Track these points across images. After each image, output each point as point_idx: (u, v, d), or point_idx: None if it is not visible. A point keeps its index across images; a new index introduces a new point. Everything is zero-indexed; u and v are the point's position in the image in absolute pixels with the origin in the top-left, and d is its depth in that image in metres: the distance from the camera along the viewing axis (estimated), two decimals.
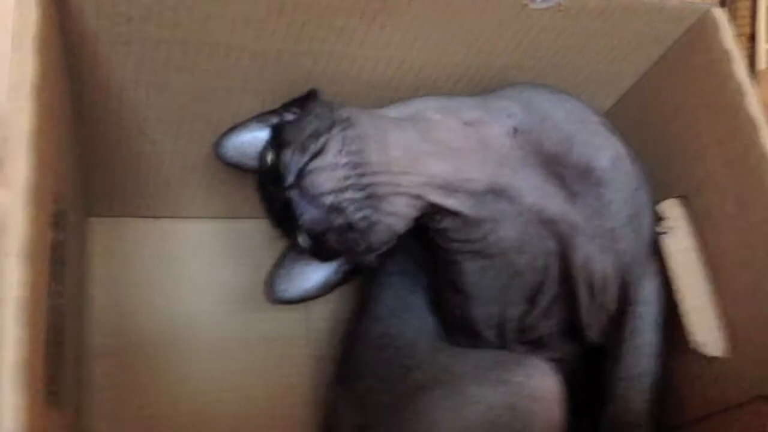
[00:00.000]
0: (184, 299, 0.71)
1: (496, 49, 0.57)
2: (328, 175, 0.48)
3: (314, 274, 0.57)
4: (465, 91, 0.60)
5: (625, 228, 0.55)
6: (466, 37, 0.55)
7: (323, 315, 0.73)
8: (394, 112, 0.55)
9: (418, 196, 0.51)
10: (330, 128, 0.49)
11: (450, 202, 0.52)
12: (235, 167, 0.57)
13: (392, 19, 0.51)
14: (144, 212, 0.71)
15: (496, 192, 0.53)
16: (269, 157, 0.51)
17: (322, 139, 0.48)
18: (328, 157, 0.48)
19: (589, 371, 0.59)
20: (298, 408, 0.70)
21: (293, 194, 0.48)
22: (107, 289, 0.69)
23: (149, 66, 0.51)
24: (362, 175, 0.48)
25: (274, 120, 0.55)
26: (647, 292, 0.56)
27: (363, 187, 0.48)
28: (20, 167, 0.32)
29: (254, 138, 0.55)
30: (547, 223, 0.54)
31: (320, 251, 0.51)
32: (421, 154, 0.51)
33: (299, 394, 0.70)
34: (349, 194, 0.48)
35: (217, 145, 0.56)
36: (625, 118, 0.64)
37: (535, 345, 0.59)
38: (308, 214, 0.48)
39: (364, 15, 0.50)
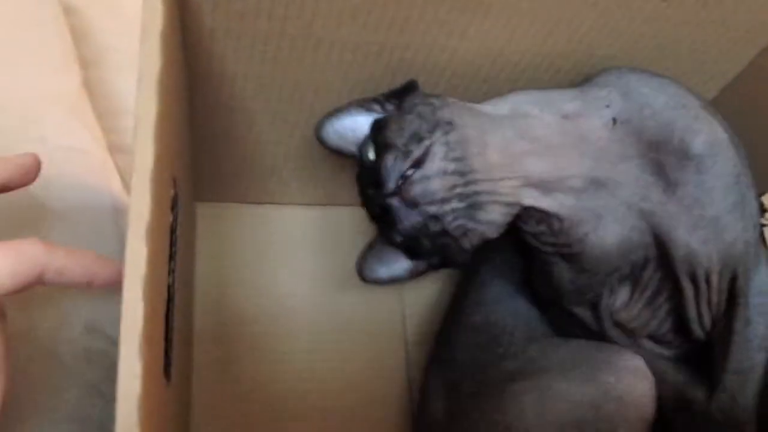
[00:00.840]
0: (282, 282, 0.73)
1: (596, 39, 0.56)
2: (437, 183, 0.47)
3: (404, 260, 0.58)
4: (565, 84, 0.60)
5: (730, 215, 0.52)
6: (567, 28, 0.54)
7: (418, 300, 0.75)
8: (491, 107, 0.54)
9: (513, 203, 0.50)
10: (433, 130, 0.48)
11: (547, 203, 0.51)
12: (335, 152, 0.57)
13: (494, 11, 0.51)
14: (246, 198, 0.74)
15: (595, 187, 0.52)
16: (370, 154, 0.51)
17: (425, 143, 0.47)
18: (435, 165, 0.47)
19: (691, 364, 0.58)
20: (392, 389, 0.72)
21: (394, 201, 0.48)
22: (210, 271, 0.73)
23: (258, 60, 0.53)
24: (467, 183, 0.47)
25: (375, 107, 0.55)
26: (760, 283, 0.54)
27: (468, 196, 0.48)
28: (147, 154, 0.35)
29: (354, 122, 0.55)
30: (647, 216, 0.52)
31: (412, 251, 0.52)
32: (519, 154, 0.50)
33: (394, 377, 0.72)
34: (453, 204, 0.47)
35: (318, 128, 0.56)
36: (730, 107, 0.62)
37: (634, 333, 0.58)
38: (408, 221, 0.48)
39: (467, 7, 0.50)
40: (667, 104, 0.53)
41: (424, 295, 0.75)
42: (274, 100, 0.58)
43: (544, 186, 0.51)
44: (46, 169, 0.56)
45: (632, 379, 0.54)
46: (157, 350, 0.40)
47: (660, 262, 0.54)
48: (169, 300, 0.45)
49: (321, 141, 0.56)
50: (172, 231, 0.45)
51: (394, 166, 0.47)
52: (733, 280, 0.53)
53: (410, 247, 0.51)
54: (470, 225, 0.49)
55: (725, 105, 0.64)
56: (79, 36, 0.60)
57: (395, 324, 0.74)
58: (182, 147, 0.54)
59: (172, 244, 0.46)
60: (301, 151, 0.66)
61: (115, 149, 0.62)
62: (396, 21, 0.51)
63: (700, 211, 0.52)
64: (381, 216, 0.50)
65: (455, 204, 0.47)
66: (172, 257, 0.46)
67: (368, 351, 0.72)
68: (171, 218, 0.44)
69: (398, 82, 0.57)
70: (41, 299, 0.53)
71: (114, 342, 0.51)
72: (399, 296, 0.76)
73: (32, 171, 0.41)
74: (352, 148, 0.55)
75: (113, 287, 0.39)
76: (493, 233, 0.51)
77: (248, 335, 0.71)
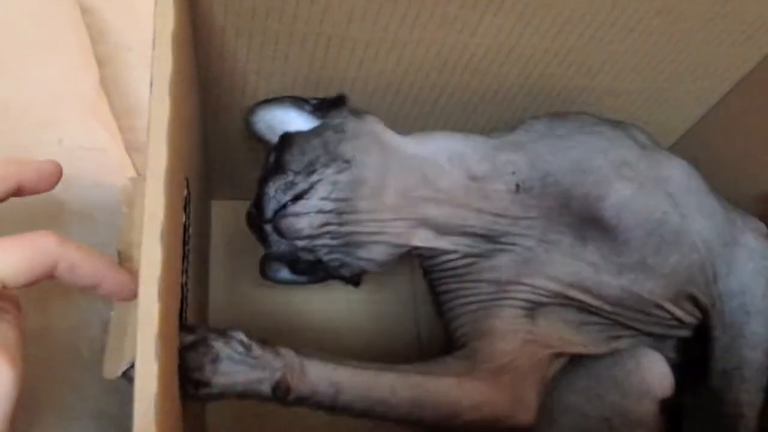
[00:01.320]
0: None
1: (608, 34, 0.56)
2: (305, 221, 0.48)
3: None
4: (576, 78, 0.60)
5: (657, 255, 0.53)
6: (578, 23, 0.54)
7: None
8: (412, 145, 0.54)
9: (401, 245, 0.52)
10: (328, 164, 0.49)
11: (439, 243, 0.54)
12: (259, 140, 0.57)
13: (505, 6, 0.51)
14: None
15: (492, 238, 0.54)
16: (269, 163, 0.52)
17: (313, 177, 0.49)
18: (311, 203, 0.49)
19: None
20: None
21: (267, 227, 0.50)
22: (224, 269, 0.73)
23: (269, 58, 0.53)
24: (343, 224, 0.49)
25: (306, 107, 0.56)
26: (735, 285, 0.55)
27: (341, 236, 0.50)
28: (161, 155, 0.35)
29: (285, 115, 0.56)
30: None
31: (292, 268, 0.55)
32: (418, 199, 0.52)
33: None
34: (324, 240, 0.50)
35: (249, 113, 0.57)
36: (744, 103, 0.62)
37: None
38: (276, 247, 0.51)
39: (478, 3, 0.50)
40: (570, 170, 0.54)
41: None
42: None
43: (439, 229, 0.53)
44: (65, 168, 0.57)
45: (637, 397, 0.55)
46: (172, 349, 0.40)
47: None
48: (183, 299, 0.46)
49: (249, 126, 0.57)
50: (185, 230, 0.46)
51: (274, 196, 0.49)
52: (693, 298, 0.55)
53: (290, 265, 0.54)
54: (347, 260, 0.51)
55: (739, 100, 0.64)
56: (94, 35, 0.61)
57: (409, 322, 0.75)
58: (194, 147, 0.55)
59: (185, 243, 0.46)
60: None
61: (131, 148, 0.63)
62: (407, 17, 0.51)
63: (619, 259, 0.53)
64: (257, 234, 0.52)
65: (327, 240, 0.50)
66: (185, 256, 0.46)
67: (383, 347, 0.73)
68: (184, 218, 0.45)
69: (410, 78, 0.57)
70: (60, 299, 0.54)
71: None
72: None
73: (50, 178, 0.41)
74: (276, 141, 0.55)
75: (117, 298, 0.40)
76: (375, 268, 0.53)
77: (262, 331, 0.72)
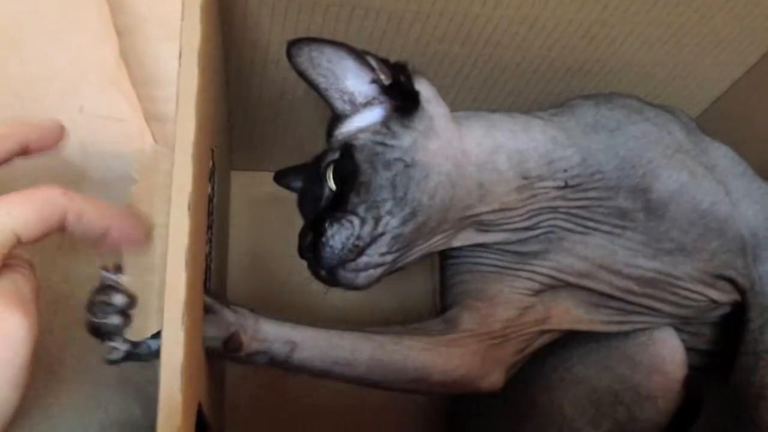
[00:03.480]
0: None
1: (632, 5, 0.55)
2: (363, 277, 0.49)
3: None
4: (598, 51, 0.60)
5: (701, 241, 0.53)
6: None
7: None
8: (473, 146, 0.52)
9: (439, 249, 0.54)
10: (392, 213, 0.48)
11: (478, 239, 0.54)
12: (299, 74, 0.51)
13: None
14: (280, 166, 0.74)
15: (530, 227, 0.54)
16: (327, 188, 0.50)
17: (378, 230, 0.48)
18: (372, 260, 0.49)
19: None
20: None
21: (320, 272, 0.50)
22: (244, 239, 0.74)
23: (292, 28, 0.53)
24: (398, 261, 0.51)
25: (371, 61, 0.51)
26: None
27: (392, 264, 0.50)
28: (189, 127, 0.35)
29: (336, 57, 0.50)
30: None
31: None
32: (470, 207, 0.52)
33: None
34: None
35: (294, 41, 0.50)
36: (756, 86, 0.62)
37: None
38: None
39: None
40: (619, 167, 0.53)
41: None
42: None
43: (480, 228, 0.54)
44: (85, 137, 0.57)
45: (647, 373, 0.56)
46: (198, 319, 0.41)
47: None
48: (207, 268, 0.46)
49: (290, 55, 0.50)
50: (210, 201, 0.46)
51: (336, 250, 0.47)
52: (731, 280, 0.55)
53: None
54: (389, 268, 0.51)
55: (753, 83, 0.63)
56: (114, 6, 0.60)
57: (427, 295, 0.75)
58: (220, 118, 0.55)
59: (210, 214, 0.47)
60: None
61: (150, 118, 0.63)
62: None
63: (657, 245, 0.53)
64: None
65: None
66: (209, 227, 0.47)
67: (401, 321, 0.73)
68: (209, 189, 0.45)
69: (432, 50, 0.57)
70: (82, 267, 0.55)
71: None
72: (431, 269, 0.76)
73: (53, 135, 0.40)
74: (320, 80, 0.51)
75: (130, 245, 0.40)
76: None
77: (281, 302, 0.73)
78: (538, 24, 0.56)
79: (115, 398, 0.53)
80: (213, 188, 0.48)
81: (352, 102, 0.52)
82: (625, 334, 0.58)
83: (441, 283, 0.62)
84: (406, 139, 0.50)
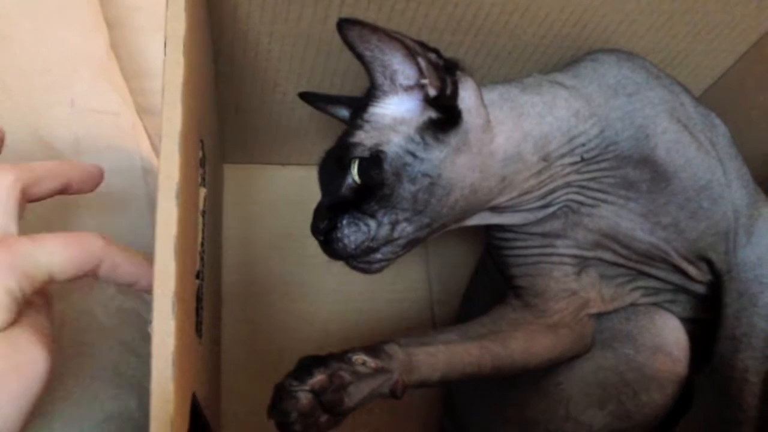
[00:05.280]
0: (309, 243, 0.73)
1: None
2: (375, 267, 0.51)
3: None
4: (591, 39, 0.60)
5: (693, 220, 0.54)
6: None
7: (443, 261, 0.75)
8: (502, 140, 0.51)
9: (450, 229, 0.54)
10: (410, 221, 0.49)
11: (494, 220, 0.55)
12: (348, 45, 0.49)
13: None
14: (272, 159, 0.74)
15: (546, 205, 0.55)
16: (350, 177, 0.50)
17: (394, 234, 0.49)
18: (385, 254, 0.50)
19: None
20: None
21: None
22: (237, 231, 0.74)
23: (283, 19, 0.53)
24: (409, 247, 0.51)
25: (420, 65, 0.49)
26: (752, 256, 0.55)
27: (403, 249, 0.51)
28: (175, 116, 0.35)
29: (389, 49, 0.48)
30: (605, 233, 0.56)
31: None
32: (488, 196, 0.52)
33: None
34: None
35: (348, 21, 0.47)
36: (761, 63, 0.62)
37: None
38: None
39: None
40: (633, 137, 0.53)
41: (449, 255, 0.76)
42: (299, 59, 0.58)
43: (496, 210, 0.54)
44: (77, 131, 0.57)
45: (650, 353, 0.56)
46: (189, 308, 0.40)
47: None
48: (201, 259, 0.46)
49: (341, 28, 0.47)
50: (201, 192, 0.46)
51: (351, 246, 0.49)
52: (710, 262, 0.56)
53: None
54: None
55: (757, 59, 0.63)
56: None
57: (421, 283, 0.75)
58: (209, 109, 0.54)
59: (202, 205, 0.47)
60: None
61: (142, 111, 0.63)
62: None
63: (655, 219, 0.54)
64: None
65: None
66: (202, 217, 0.46)
67: (395, 309, 0.73)
68: (200, 179, 0.45)
69: (423, 38, 0.55)
70: None
71: (146, 302, 0.52)
72: (425, 257, 0.76)
73: (94, 180, 0.42)
74: (363, 54, 0.49)
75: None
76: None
77: (276, 293, 0.72)
78: (530, 12, 0.56)
79: (110, 392, 0.53)
80: (204, 179, 0.47)
81: (392, 80, 0.50)
82: (626, 316, 0.58)
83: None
84: (437, 153, 0.49)
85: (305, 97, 0.60)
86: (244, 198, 0.74)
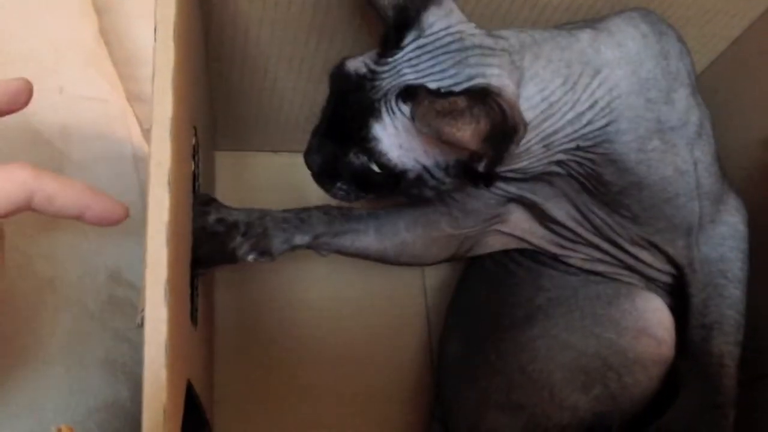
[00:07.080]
0: None
1: None
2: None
3: None
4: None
5: (652, 219, 0.55)
6: None
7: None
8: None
9: None
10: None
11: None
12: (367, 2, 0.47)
13: None
14: (265, 146, 0.74)
15: (530, 181, 0.55)
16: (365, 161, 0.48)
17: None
18: None
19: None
20: (412, 333, 0.74)
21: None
22: None
23: (272, 4, 0.52)
24: None
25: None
26: (713, 254, 0.56)
27: None
28: (166, 102, 0.35)
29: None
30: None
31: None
32: None
33: (413, 322, 0.74)
34: None
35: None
36: (753, 48, 0.62)
37: None
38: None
39: None
40: (625, 144, 0.51)
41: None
42: (290, 45, 0.58)
43: None
44: (66, 118, 0.56)
45: (633, 336, 0.56)
46: (183, 296, 0.40)
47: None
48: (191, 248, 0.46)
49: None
50: (194, 179, 0.45)
51: (340, 197, 0.52)
52: (667, 255, 0.57)
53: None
54: None
55: (749, 44, 0.63)
56: None
57: (415, 270, 0.75)
58: (201, 96, 0.54)
59: (195, 191, 0.46)
60: (317, 96, 0.65)
61: (132, 98, 0.62)
62: None
63: (615, 210, 0.55)
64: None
65: None
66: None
67: (389, 295, 0.73)
68: (193, 166, 0.45)
69: None
70: (65, 248, 0.54)
71: (138, 289, 0.52)
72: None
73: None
74: (385, 10, 0.46)
75: (105, 224, 0.39)
76: None
77: (269, 282, 0.72)
78: None
79: (102, 381, 0.53)
80: (197, 166, 0.47)
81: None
82: (608, 302, 0.58)
83: None
84: (454, 183, 0.48)
85: None
86: (235, 185, 0.74)
